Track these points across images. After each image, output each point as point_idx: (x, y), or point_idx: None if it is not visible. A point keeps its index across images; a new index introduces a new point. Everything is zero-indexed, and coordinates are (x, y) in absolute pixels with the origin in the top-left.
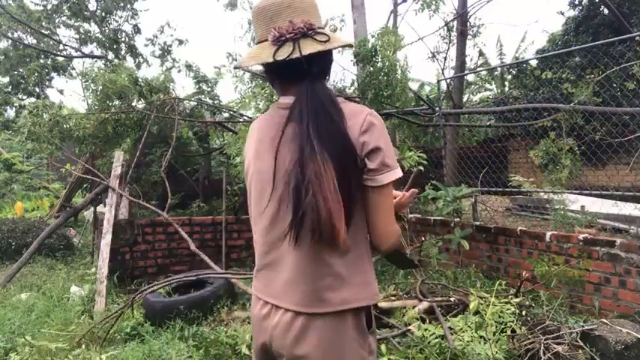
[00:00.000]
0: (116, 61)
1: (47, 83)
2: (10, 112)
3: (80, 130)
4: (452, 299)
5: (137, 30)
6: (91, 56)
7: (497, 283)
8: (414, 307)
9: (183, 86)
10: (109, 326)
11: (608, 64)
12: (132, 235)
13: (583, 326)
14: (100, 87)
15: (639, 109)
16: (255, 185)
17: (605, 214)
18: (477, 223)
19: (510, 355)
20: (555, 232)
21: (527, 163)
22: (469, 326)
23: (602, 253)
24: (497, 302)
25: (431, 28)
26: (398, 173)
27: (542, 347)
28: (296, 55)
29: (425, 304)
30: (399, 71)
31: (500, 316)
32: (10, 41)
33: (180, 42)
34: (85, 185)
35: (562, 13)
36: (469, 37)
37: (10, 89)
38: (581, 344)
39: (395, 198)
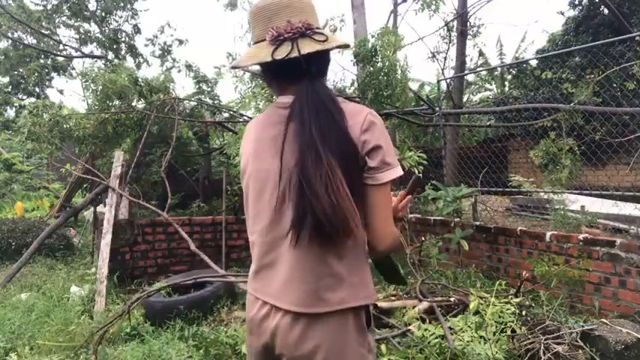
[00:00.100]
0: (116, 61)
1: (47, 83)
2: (10, 112)
3: (80, 130)
4: (452, 299)
5: (137, 30)
6: (91, 56)
7: (497, 283)
8: (414, 307)
9: (183, 86)
10: (108, 328)
11: (608, 64)
12: (132, 235)
13: (583, 326)
14: (100, 87)
15: (639, 109)
16: (254, 185)
17: (605, 214)
18: (477, 223)
19: (510, 355)
20: (555, 232)
21: (527, 163)
22: (469, 326)
23: (602, 253)
24: (497, 302)
25: (431, 28)
26: (398, 172)
27: (542, 347)
28: (295, 54)
29: (425, 304)
30: (399, 71)
31: (500, 316)
32: (10, 41)
33: (180, 42)
34: (85, 185)
35: (562, 13)
36: (469, 37)
37: (10, 89)
38: (581, 344)
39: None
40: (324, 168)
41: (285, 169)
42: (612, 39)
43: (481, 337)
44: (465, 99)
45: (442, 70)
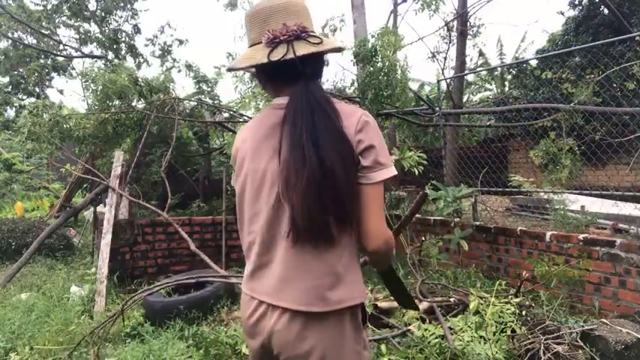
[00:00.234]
0: (116, 61)
1: (47, 83)
2: (10, 112)
3: (80, 130)
4: (452, 299)
5: (137, 30)
6: (91, 56)
7: (497, 283)
8: None
9: (183, 86)
10: (109, 328)
11: (608, 64)
12: (132, 235)
13: (583, 326)
14: (100, 87)
15: (639, 109)
16: (251, 185)
17: (605, 214)
18: (477, 223)
19: (510, 355)
20: (555, 232)
21: (527, 163)
22: (469, 326)
23: (602, 253)
24: (497, 302)
25: (431, 28)
26: (391, 172)
27: (542, 347)
28: (290, 55)
29: (425, 304)
30: (399, 71)
31: (500, 316)
32: (10, 41)
33: (180, 42)
34: (85, 185)
35: (562, 13)
36: (469, 37)
37: (10, 89)
38: (581, 344)
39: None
40: (306, 170)
41: (282, 169)
42: (612, 39)
43: (481, 337)
44: (465, 99)
45: (442, 70)
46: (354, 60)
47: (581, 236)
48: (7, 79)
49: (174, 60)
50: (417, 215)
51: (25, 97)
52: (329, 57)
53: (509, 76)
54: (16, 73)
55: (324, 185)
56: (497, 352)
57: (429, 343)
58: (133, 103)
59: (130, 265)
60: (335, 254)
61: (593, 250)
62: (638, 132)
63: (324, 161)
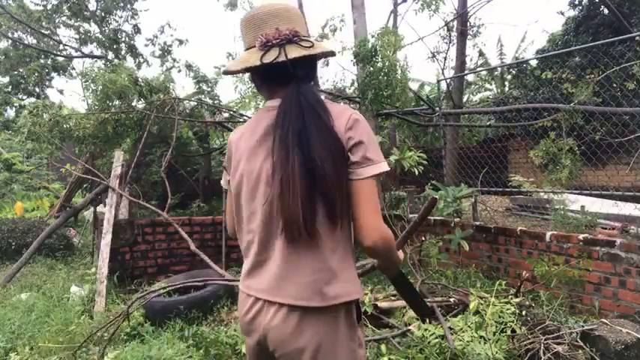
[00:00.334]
0: (116, 61)
1: (47, 83)
2: (10, 112)
3: (80, 130)
4: (452, 299)
5: (137, 30)
6: (91, 56)
7: (497, 283)
8: None
9: (183, 86)
10: (111, 328)
11: (608, 64)
12: (132, 235)
13: (583, 326)
14: (100, 87)
15: (639, 109)
16: (247, 184)
17: (605, 214)
18: (477, 223)
19: (510, 355)
20: (555, 232)
21: (527, 163)
22: (469, 326)
23: (602, 253)
24: (497, 302)
25: (431, 28)
26: (381, 168)
27: (542, 347)
28: (282, 58)
29: None
30: (399, 71)
31: (500, 316)
32: (10, 41)
33: (180, 42)
34: (85, 185)
35: (562, 13)
36: (469, 37)
37: (10, 89)
38: (581, 344)
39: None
40: (287, 171)
41: (276, 169)
42: (612, 39)
43: (481, 337)
44: (465, 99)
45: (442, 70)
46: (354, 60)
47: (581, 236)
48: (7, 79)
49: (174, 60)
50: (417, 215)
51: (25, 97)
52: (329, 57)
53: (509, 76)
54: (16, 73)
55: (312, 183)
56: (497, 352)
57: (429, 343)
58: (133, 103)
59: (130, 265)
60: (329, 250)
61: (593, 250)
62: (638, 132)
63: (314, 159)
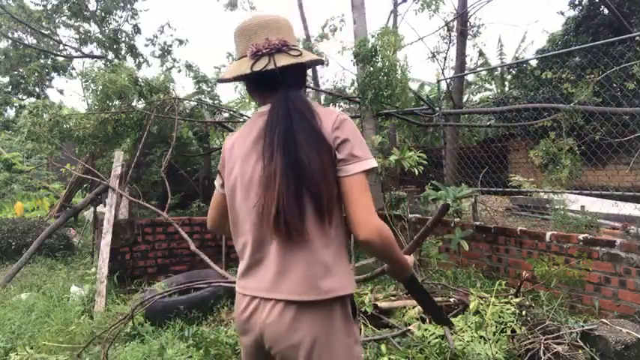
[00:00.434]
0: (116, 61)
1: (47, 83)
2: (10, 112)
3: (80, 130)
4: (452, 299)
5: (137, 30)
6: (91, 56)
7: (497, 283)
8: (414, 307)
9: (183, 86)
10: (115, 329)
11: (608, 64)
12: (132, 235)
13: (583, 326)
14: (100, 87)
15: (639, 109)
16: (240, 187)
17: (605, 214)
18: (477, 223)
19: (510, 355)
20: (555, 232)
21: (527, 163)
22: (469, 326)
23: (602, 253)
24: (497, 302)
25: (431, 28)
26: (368, 164)
27: (542, 347)
28: (271, 66)
29: None
30: (399, 71)
31: (500, 316)
32: (10, 41)
33: (180, 42)
34: (85, 185)
35: (562, 13)
36: (469, 37)
37: (10, 89)
38: (581, 344)
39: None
40: (269, 170)
41: (266, 170)
42: (612, 39)
43: (481, 337)
44: (465, 99)
45: (442, 70)
46: (354, 60)
47: (581, 236)
48: (7, 79)
49: (174, 60)
50: (417, 215)
51: (25, 97)
52: (329, 58)
53: (509, 76)
54: (16, 73)
55: (300, 181)
56: (497, 352)
57: (429, 343)
58: (133, 103)
59: (130, 265)
60: (322, 245)
61: (593, 250)
62: (638, 132)
63: (301, 159)
